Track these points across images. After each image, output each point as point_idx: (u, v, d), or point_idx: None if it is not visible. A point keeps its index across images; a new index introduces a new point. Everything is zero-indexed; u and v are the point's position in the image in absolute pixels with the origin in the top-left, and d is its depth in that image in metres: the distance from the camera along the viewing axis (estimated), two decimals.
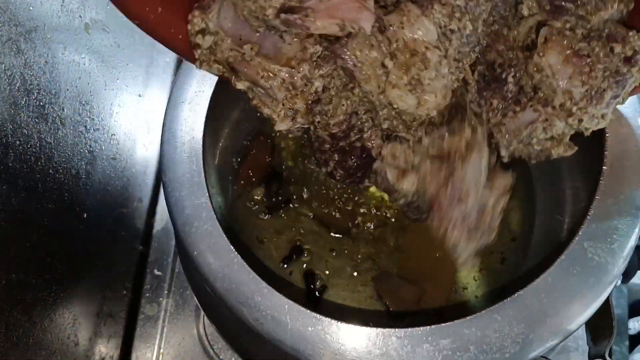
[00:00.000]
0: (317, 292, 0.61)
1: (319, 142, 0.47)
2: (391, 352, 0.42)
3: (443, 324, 0.42)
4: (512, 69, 0.40)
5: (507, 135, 0.42)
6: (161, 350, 0.71)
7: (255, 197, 0.65)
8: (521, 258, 0.60)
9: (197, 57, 0.42)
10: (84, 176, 0.61)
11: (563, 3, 0.37)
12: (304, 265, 0.62)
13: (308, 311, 0.43)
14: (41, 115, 0.52)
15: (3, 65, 0.46)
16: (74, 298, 0.60)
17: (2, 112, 0.47)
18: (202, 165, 0.49)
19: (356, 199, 0.65)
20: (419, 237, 0.63)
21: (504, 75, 0.41)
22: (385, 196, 0.60)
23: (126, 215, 0.72)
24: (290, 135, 0.44)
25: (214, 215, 0.47)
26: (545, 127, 0.40)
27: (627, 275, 0.68)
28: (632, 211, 0.45)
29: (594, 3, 0.37)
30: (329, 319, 0.43)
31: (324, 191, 0.65)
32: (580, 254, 0.44)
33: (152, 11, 0.38)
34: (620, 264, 0.44)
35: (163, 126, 0.52)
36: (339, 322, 0.43)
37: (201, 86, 0.53)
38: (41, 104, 0.52)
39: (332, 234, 0.64)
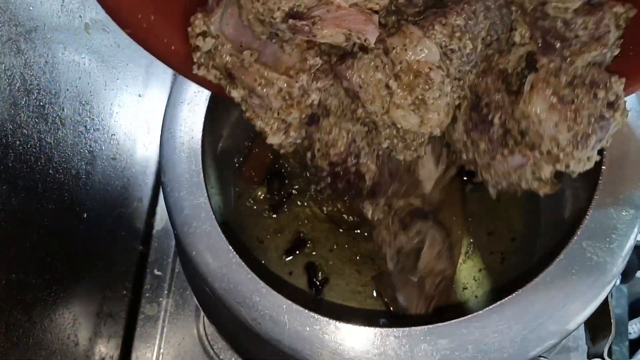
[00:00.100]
0: (318, 283, 0.61)
1: (316, 170, 0.48)
2: (389, 352, 0.42)
3: (441, 324, 0.42)
4: (499, 111, 0.41)
5: (496, 177, 0.43)
6: (161, 350, 0.71)
7: (257, 197, 0.65)
8: (521, 258, 0.60)
9: (195, 60, 0.42)
10: (84, 176, 0.61)
11: (552, 40, 0.38)
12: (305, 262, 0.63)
13: (306, 311, 0.43)
14: (41, 115, 0.52)
15: (3, 65, 0.47)
16: (74, 298, 0.60)
17: (2, 112, 0.47)
18: (201, 165, 0.49)
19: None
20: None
21: (490, 117, 0.42)
22: None
23: (126, 215, 0.72)
24: (282, 151, 0.45)
25: (213, 216, 0.47)
26: (533, 171, 0.41)
27: (626, 275, 0.68)
28: (631, 211, 0.45)
29: (579, 45, 0.38)
30: (327, 319, 0.43)
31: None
32: (579, 254, 0.44)
33: (144, 19, 0.38)
34: (619, 264, 0.44)
35: (162, 126, 0.52)
36: (337, 322, 0.43)
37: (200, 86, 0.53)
38: (41, 104, 0.52)
39: (341, 229, 0.63)
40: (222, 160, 0.57)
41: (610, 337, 0.51)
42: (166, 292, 0.73)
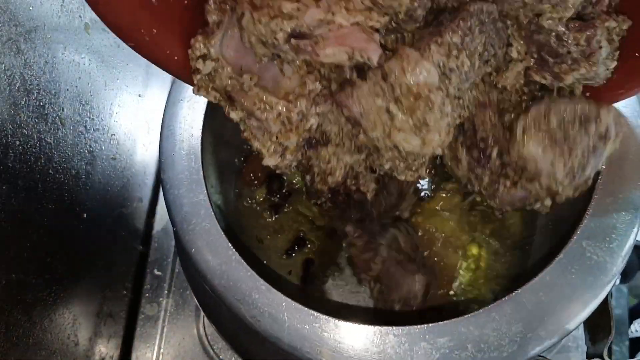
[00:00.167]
0: (310, 276, 0.61)
1: (316, 190, 0.49)
2: (388, 350, 0.42)
3: (441, 322, 0.42)
4: (496, 146, 0.43)
5: (501, 205, 0.46)
6: (161, 350, 0.71)
7: (257, 197, 0.65)
8: (521, 258, 0.60)
9: (195, 82, 0.42)
10: (84, 176, 0.61)
11: (547, 56, 0.39)
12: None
13: (306, 309, 0.43)
14: (41, 115, 0.52)
15: (3, 65, 0.47)
16: (74, 298, 0.60)
17: (2, 112, 0.47)
18: (200, 163, 0.49)
19: None
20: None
21: (488, 152, 0.44)
22: None
23: (126, 215, 0.72)
24: (277, 171, 0.45)
25: (212, 213, 0.47)
26: (536, 200, 0.44)
27: (626, 275, 0.68)
28: (631, 210, 0.45)
29: (570, 62, 0.39)
30: (327, 317, 0.43)
31: None
32: (579, 253, 0.44)
33: (147, 33, 0.38)
34: (619, 264, 0.44)
35: (162, 124, 0.52)
36: (337, 320, 0.43)
37: None
38: (41, 104, 0.53)
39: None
40: (222, 159, 0.57)
41: (610, 337, 0.51)
42: (166, 292, 0.73)
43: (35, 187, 0.52)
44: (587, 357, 0.56)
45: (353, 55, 0.38)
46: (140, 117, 0.75)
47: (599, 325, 0.53)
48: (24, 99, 0.50)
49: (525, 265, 0.58)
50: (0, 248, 0.47)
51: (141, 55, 0.40)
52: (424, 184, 0.63)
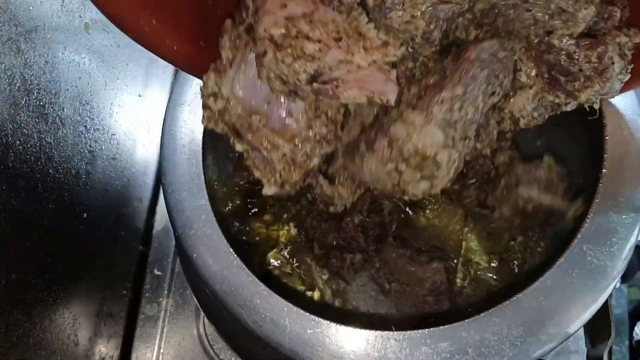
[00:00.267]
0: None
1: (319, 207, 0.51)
2: (390, 355, 0.42)
3: (441, 327, 0.42)
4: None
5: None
6: (161, 350, 0.71)
7: (255, 200, 0.64)
8: (521, 259, 0.60)
9: (205, 116, 0.43)
10: (84, 176, 0.61)
11: (558, 75, 0.39)
12: None
13: (307, 314, 0.43)
14: (41, 115, 0.52)
15: (3, 65, 0.46)
16: (74, 298, 0.60)
17: (2, 112, 0.47)
18: (202, 167, 0.49)
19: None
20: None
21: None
22: None
23: (126, 215, 0.72)
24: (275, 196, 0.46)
25: (214, 218, 0.47)
26: None
27: (626, 275, 0.68)
28: (632, 214, 0.45)
29: (583, 79, 0.39)
30: (328, 322, 0.43)
31: None
32: (580, 257, 0.44)
33: (146, 24, 0.38)
34: (620, 267, 0.44)
35: (163, 128, 0.52)
36: (338, 325, 0.43)
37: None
38: (41, 104, 0.52)
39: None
40: (223, 163, 0.57)
41: (610, 341, 0.51)
42: (166, 292, 0.73)
43: (35, 187, 0.52)
44: None
45: (373, 98, 0.38)
46: (140, 117, 0.74)
47: (599, 328, 0.53)
48: (24, 99, 0.50)
49: (525, 269, 0.58)
50: (0, 248, 0.47)
51: (142, 45, 0.40)
52: None
